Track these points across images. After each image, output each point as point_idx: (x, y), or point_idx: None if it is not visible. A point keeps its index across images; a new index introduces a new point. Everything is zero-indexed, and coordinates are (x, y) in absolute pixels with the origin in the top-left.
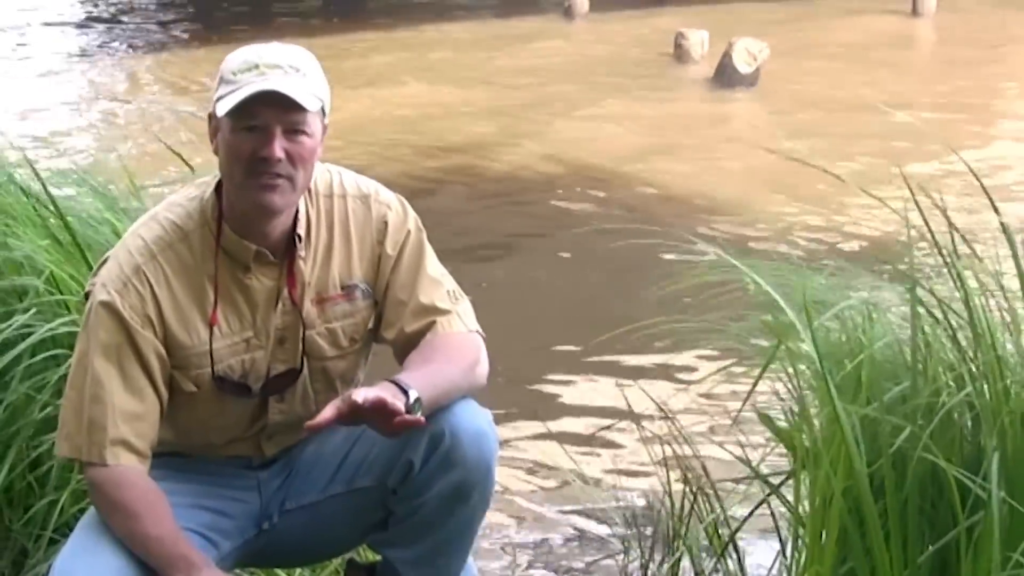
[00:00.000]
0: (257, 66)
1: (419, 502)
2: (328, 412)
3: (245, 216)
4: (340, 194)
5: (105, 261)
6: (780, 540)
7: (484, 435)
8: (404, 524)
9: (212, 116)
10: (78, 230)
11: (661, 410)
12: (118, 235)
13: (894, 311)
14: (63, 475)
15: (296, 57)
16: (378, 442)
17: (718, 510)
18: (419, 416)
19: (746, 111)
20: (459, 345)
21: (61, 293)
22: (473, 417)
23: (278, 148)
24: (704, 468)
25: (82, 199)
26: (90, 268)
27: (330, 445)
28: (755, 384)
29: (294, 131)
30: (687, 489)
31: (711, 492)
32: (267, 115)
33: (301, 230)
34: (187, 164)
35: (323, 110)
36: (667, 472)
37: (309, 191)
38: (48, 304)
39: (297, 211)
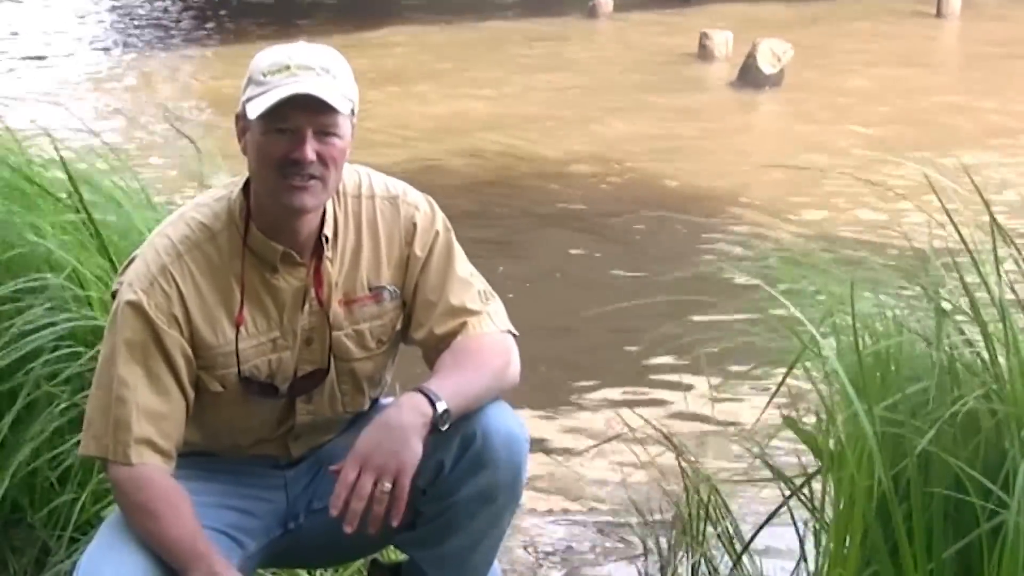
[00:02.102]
0: (288, 67)
1: (448, 503)
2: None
3: (274, 216)
4: (368, 195)
5: (132, 260)
6: (800, 542)
7: (515, 437)
8: (432, 524)
9: (240, 116)
10: (102, 225)
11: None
12: (143, 234)
13: (920, 314)
14: (84, 473)
15: (326, 58)
16: None
17: (736, 511)
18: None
19: (770, 112)
20: (490, 346)
21: (83, 289)
22: (504, 419)
23: (310, 150)
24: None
25: (110, 193)
26: (113, 264)
27: None
28: (779, 387)
29: (325, 133)
30: (706, 491)
31: (729, 494)
32: (299, 118)
33: (328, 231)
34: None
35: (352, 111)
36: (683, 475)
37: (337, 192)
38: (69, 300)
39: (324, 212)
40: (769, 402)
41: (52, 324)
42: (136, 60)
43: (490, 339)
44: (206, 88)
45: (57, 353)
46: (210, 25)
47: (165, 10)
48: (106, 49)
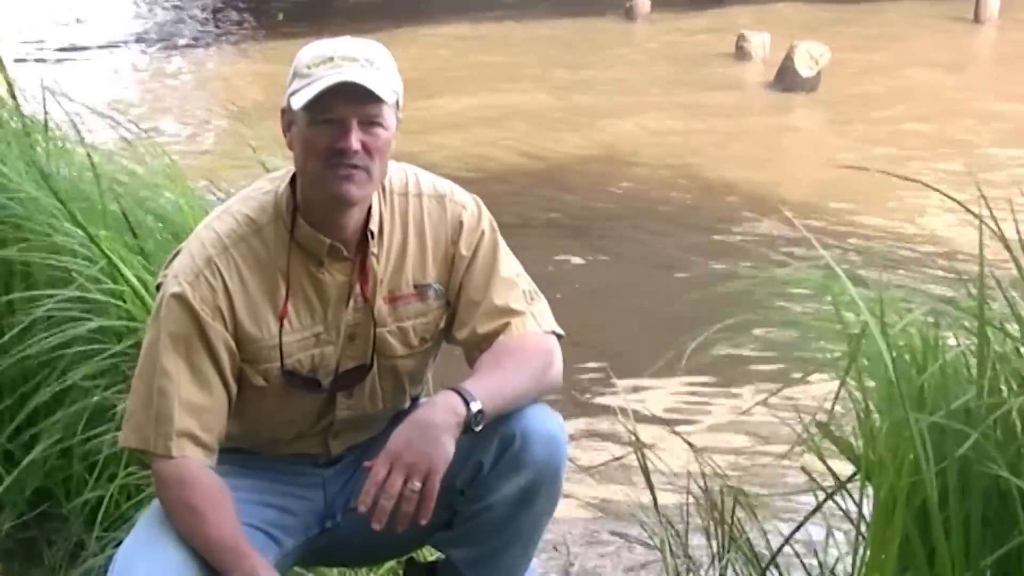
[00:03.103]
0: (331, 59)
1: (486, 503)
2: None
3: (320, 209)
4: (415, 193)
5: (178, 253)
6: (835, 545)
7: (554, 439)
8: (470, 524)
9: (285, 110)
10: (139, 221)
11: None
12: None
13: (963, 319)
14: (115, 467)
15: (370, 50)
16: None
17: (767, 519)
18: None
19: (807, 114)
20: (533, 347)
21: (116, 283)
22: (544, 420)
23: (355, 140)
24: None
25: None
26: (145, 259)
27: None
28: (836, 396)
29: (370, 123)
30: (731, 501)
31: (759, 504)
32: (343, 108)
33: (374, 226)
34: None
35: (397, 103)
36: (703, 481)
37: (383, 189)
38: (104, 293)
39: (370, 207)
40: (833, 403)
41: (84, 318)
42: (178, 56)
43: (532, 339)
44: (250, 84)
45: (91, 347)
46: (247, 26)
47: (203, 8)
48: (149, 42)
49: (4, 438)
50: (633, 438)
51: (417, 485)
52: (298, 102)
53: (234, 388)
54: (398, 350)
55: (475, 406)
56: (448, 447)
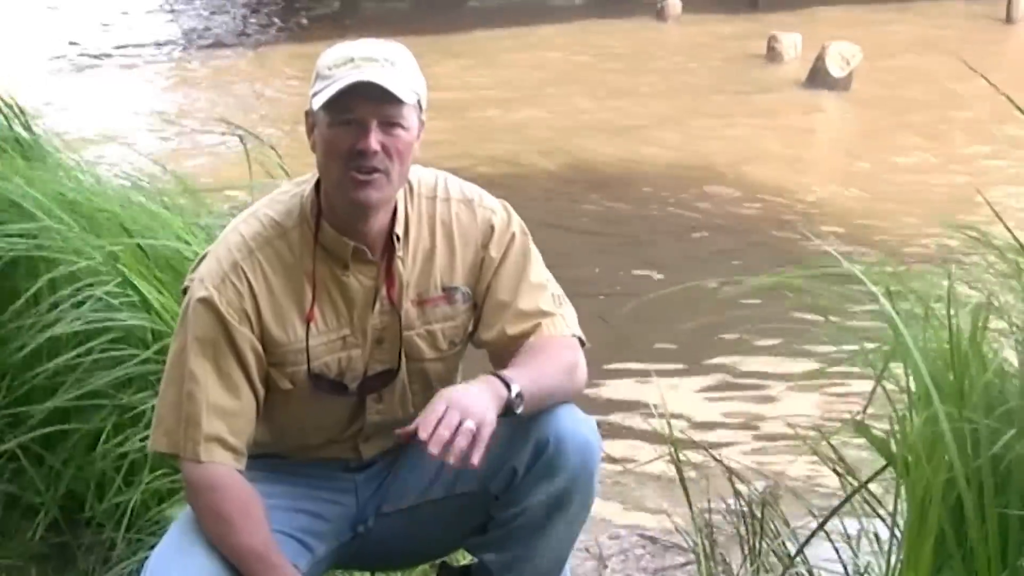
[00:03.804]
0: (352, 59)
1: (520, 508)
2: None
3: (343, 212)
4: (444, 197)
5: (204, 257)
6: (869, 543)
7: (588, 444)
8: (503, 529)
9: (309, 113)
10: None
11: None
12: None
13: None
14: (147, 472)
15: (391, 51)
16: None
17: (800, 514)
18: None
19: (839, 115)
20: (561, 348)
21: (139, 294)
22: (578, 425)
23: (374, 140)
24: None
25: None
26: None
27: None
28: (872, 393)
29: (390, 124)
30: (760, 503)
31: (792, 501)
32: (363, 108)
33: (400, 229)
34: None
35: (420, 104)
36: (730, 479)
37: (411, 192)
38: (124, 305)
39: (396, 210)
40: (868, 403)
41: (107, 327)
42: (200, 62)
43: (561, 341)
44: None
45: (112, 354)
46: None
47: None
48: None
49: (31, 441)
50: (670, 443)
51: (472, 424)
52: (318, 102)
53: (262, 392)
54: (427, 353)
55: (515, 388)
56: (493, 414)
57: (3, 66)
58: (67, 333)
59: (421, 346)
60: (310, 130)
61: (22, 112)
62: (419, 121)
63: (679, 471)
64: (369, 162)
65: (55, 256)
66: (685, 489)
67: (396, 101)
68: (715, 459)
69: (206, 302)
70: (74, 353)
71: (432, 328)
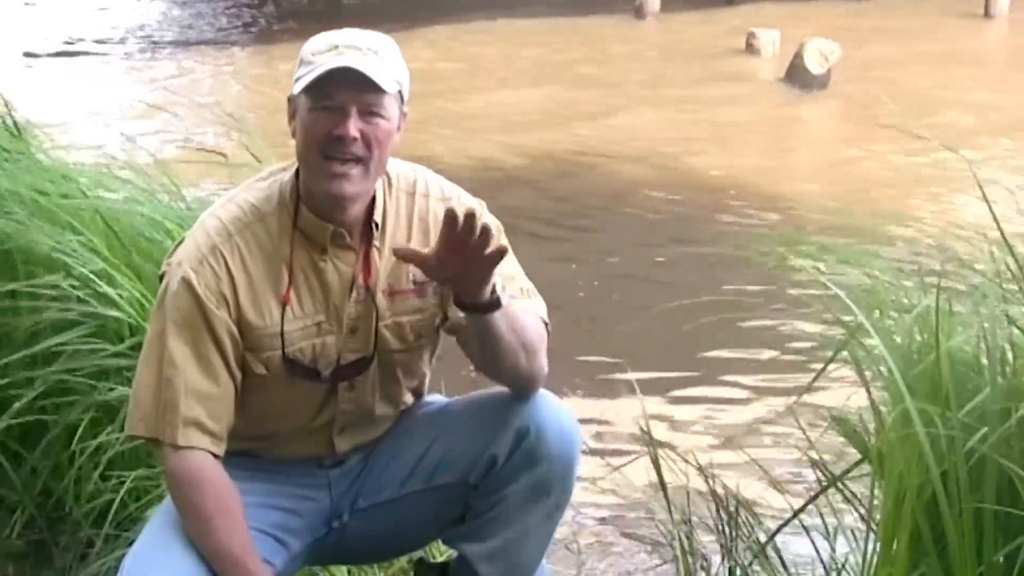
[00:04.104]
0: (336, 47)
1: (500, 496)
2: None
3: (320, 201)
4: (423, 193)
5: (182, 241)
6: (829, 543)
7: (568, 431)
8: (483, 518)
9: (291, 99)
10: (130, 228)
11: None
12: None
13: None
14: (123, 467)
15: (376, 41)
16: (460, 439)
17: (777, 507)
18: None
19: (817, 111)
20: (535, 317)
21: (113, 287)
22: (558, 414)
23: (353, 127)
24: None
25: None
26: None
27: (407, 443)
28: (816, 377)
29: (370, 112)
30: (734, 503)
31: (767, 494)
32: (343, 95)
33: (378, 217)
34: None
35: (401, 95)
36: (706, 477)
37: (389, 185)
38: (92, 297)
39: (374, 198)
40: (806, 390)
41: (79, 322)
42: (178, 57)
43: (534, 314)
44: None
45: (86, 347)
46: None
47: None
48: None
49: (7, 437)
50: (647, 436)
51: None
52: (299, 86)
53: (239, 376)
54: (393, 344)
55: (498, 283)
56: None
57: None
58: (42, 326)
59: (388, 337)
60: (291, 116)
61: (4, 102)
62: (400, 112)
63: (657, 468)
64: (347, 148)
65: (27, 246)
66: (663, 486)
67: (377, 89)
68: (686, 461)
69: (184, 285)
70: (51, 342)
71: (400, 320)
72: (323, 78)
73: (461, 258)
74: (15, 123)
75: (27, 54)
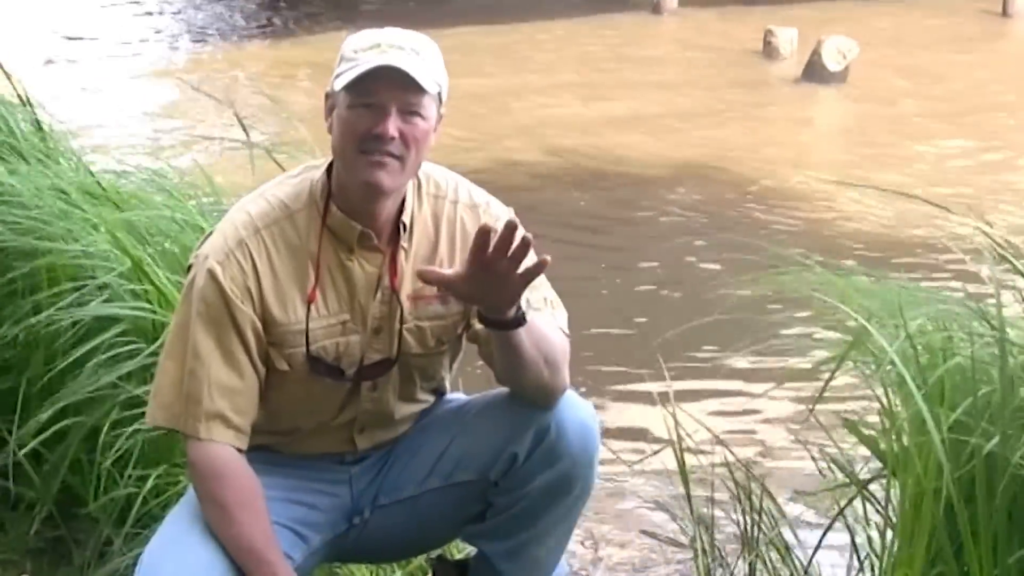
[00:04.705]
0: (379, 45)
1: (521, 493)
2: (450, 271)
3: (353, 195)
4: (452, 199)
5: (209, 234)
6: (854, 547)
7: (589, 429)
8: (503, 516)
9: (329, 94)
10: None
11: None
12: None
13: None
14: (145, 466)
15: (418, 41)
16: (480, 436)
17: (794, 512)
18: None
19: (835, 109)
20: (557, 330)
21: (142, 283)
22: (578, 411)
23: (392, 126)
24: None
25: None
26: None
27: (427, 440)
28: (827, 382)
29: (410, 112)
30: (758, 495)
31: (789, 498)
32: (384, 93)
33: (406, 219)
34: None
35: (440, 97)
36: (732, 478)
37: (419, 189)
38: (127, 295)
39: (404, 200)
40: (818, 399)
41: (114, 319)
42: (200, 53)
43: (556, 327)
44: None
45: (117, 346)
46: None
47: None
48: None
49: (32, 438)
50: (672, 434)
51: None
52: (340, 83)
53: (263, 370)
54: (413, 348)
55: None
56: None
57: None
58: (68, 325)
59: (409, 340)
60: (328, 111)
61: (30, 102)
62: (438, 114)
63: (681, 462)
64: (385, 147)
65: (53, 246)
66: (685, 480)
67: (418, 89)
68: (717, 439)
69: (210, 277)
70: (87, 348)
71: (422, 325)
72: (365, 76)
73: (490, 276)
74: (38, 123)
75: (47, 60)
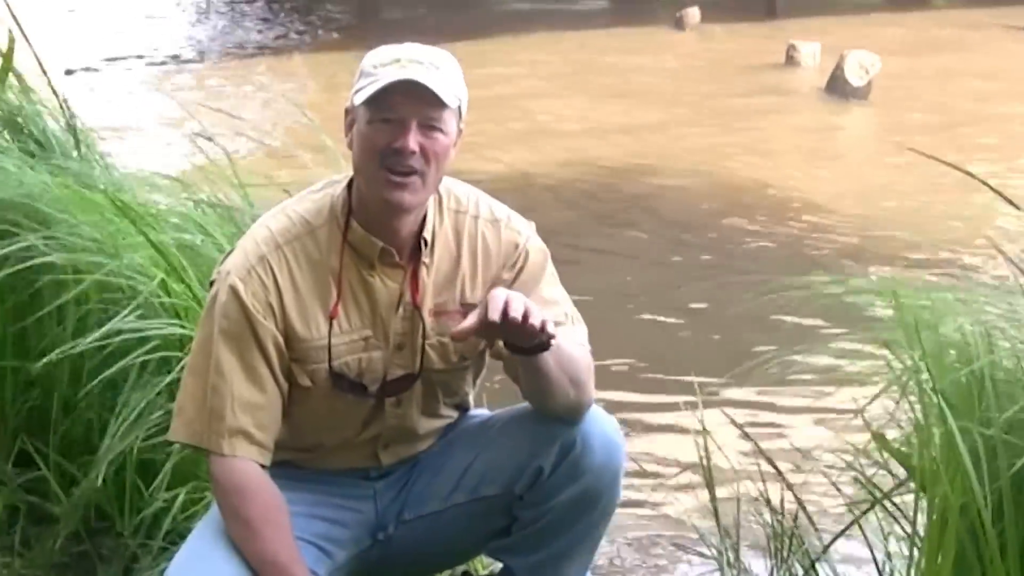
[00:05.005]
0: (398, 60)
1: (546, 508)
2: (470, 321)
3: (374, 212)
4: (473, 215)
5: (232, 251)
6: (876, 565)
7: (614, 444)
8: (528, 530)
9: (348, 110)
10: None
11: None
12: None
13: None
14: (174, 481)
15: (437, 56)
16: (505, 451)
17: (821, 524)
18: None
19: (858, 123)
20: (580, 347)
21: (171, 297)
22: (603, 425)
23: (413, 141)
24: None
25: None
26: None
27: (452, 455)
28: (871, 400)
29: (430, 126)
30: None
31: (815, 511)
32: (404, 107)
33: (428, 235)
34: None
35: (460, 111)
36: (764, 487)
37: (440, 204)
38: (157, 308)
39: (425, 216)
40: (861, 411)
41: (144, 334)
42: (221, 69)
43: (579, 343)
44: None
45: (150, 358)
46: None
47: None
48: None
49: (55, 451)
50: (702, 450)
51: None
52: (360, 98)
53: (285, 386)
54: (436, 363)
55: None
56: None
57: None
58: (94, 346)
59: (432, 356)
60: (348, 127)
61: (68, 109)
62: (458, 128)
63: (707, 472)
64: (406, 162)
65: (81, 260)
66: (711, 490)
67: (438, 103)
68: (751, 440)
69: (232, 294)
70: (117, 367)
71: (445, 340)
72: (385, 91)
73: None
74: (75, 130)
75: (68, 71)
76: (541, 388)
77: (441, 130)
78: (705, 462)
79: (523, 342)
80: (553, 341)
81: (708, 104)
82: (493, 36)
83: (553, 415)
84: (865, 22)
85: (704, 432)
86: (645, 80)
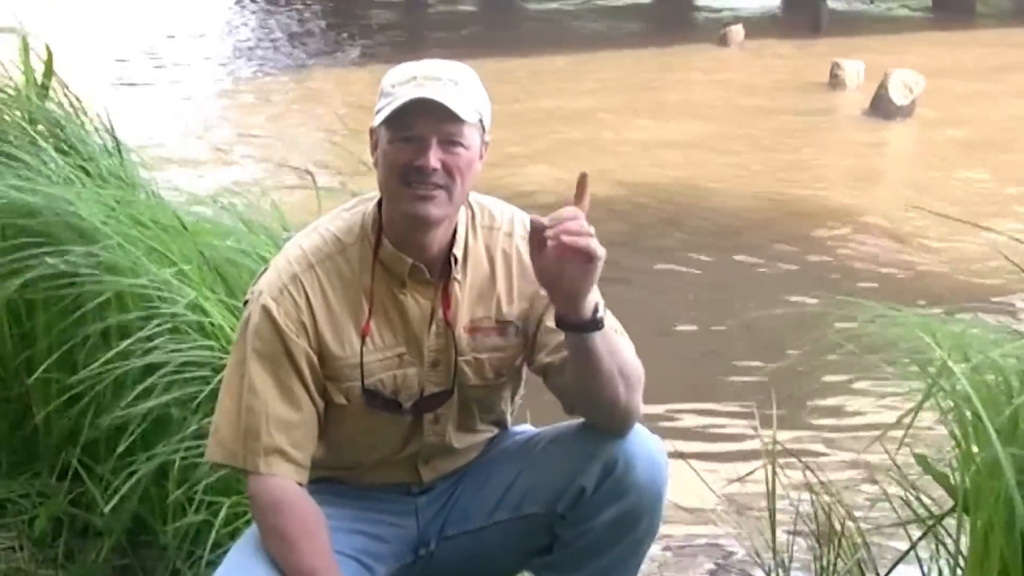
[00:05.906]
0: (415, 78)
1: (588, 527)
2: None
3: (403, 229)
4: (507, 232)
5: (265, 270)
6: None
7: (657, 463)
8: (570, 549)
9: (372, 130)
10: (220, 255)
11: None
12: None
13: None
14: (216, 494)
15: (455, 71)
16: (548, 469)
17: (864, 548)
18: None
19: (902, 142)
20: (632, 352)
21: (206, 315)
22: (646, 444)
23: (433, 158)
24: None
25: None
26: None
27: (495, 472)
28: (911, 422)
29: (450, 142)
30: (839, 524)
31: (857, 531)
32: (423, 125)
33: (458, 251)
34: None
35: (482, 124)
36: (816, 504)
37: (472, 220)
38: (193, 326)
39: (456, 232)
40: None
41: (177, 350)
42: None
43: (630, 347)
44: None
45: (184, 375)
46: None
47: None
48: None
49: (105, 469)
50: (768, 464)
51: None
52: (380, 118)
53: (321, 404)
54: (471, 379)
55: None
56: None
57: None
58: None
59: (467, 372)
60: (373, 147)
61: (110, 127)
62: (481, 141)
63: (770, 487)
64: (428, 179)
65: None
66: (772, 507)
67: (456, 119)
68: (809, 468)
69: (265, 313)
70: (147, 383)
71: (480, 357)
72: (402, 110)
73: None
74: (118, 144)
75: (115, 82)
76: (590, 376)
77: (462, 144)
78: (769, 485)
79: (578, 281)
80: (604, 322)
81: (752, 122)
82: (531, 55)
83: (601, 418)
84: (910, 40)
85: (772, 452)
86: (688, 100)
